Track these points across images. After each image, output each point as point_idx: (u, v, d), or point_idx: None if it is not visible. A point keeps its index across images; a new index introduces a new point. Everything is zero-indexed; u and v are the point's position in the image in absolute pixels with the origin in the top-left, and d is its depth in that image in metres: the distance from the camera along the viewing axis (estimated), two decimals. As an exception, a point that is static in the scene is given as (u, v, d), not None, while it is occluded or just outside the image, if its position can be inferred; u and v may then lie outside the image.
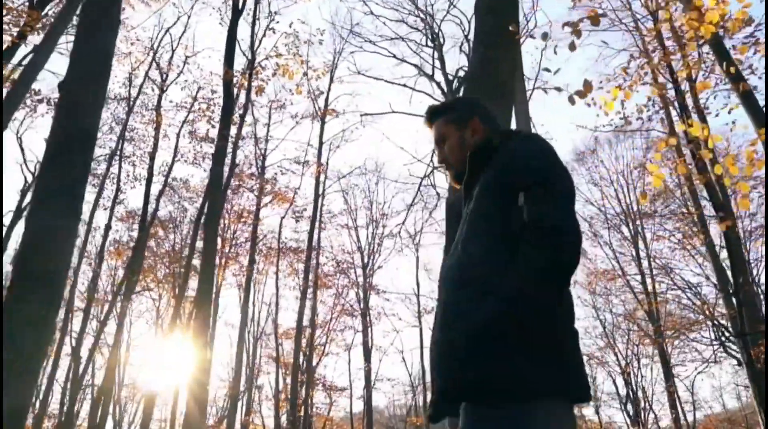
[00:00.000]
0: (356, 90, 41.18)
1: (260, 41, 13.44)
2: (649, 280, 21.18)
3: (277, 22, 14.24)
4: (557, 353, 1.55)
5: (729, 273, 16.60)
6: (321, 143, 19.05)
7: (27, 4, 12.24)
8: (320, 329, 21.57)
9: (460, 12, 23.41)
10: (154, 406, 13.94)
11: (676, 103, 14.83)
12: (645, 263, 21.40)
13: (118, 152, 17.70)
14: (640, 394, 24.72)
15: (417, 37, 18.80)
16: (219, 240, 22.35)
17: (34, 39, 13.70)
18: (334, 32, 19.67)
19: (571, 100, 4.66)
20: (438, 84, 17.87)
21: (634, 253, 21.92)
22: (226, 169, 11.49)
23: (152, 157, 17.26)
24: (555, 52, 4.82)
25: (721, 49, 8.09)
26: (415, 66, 18.60)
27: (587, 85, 4.56)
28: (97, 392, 15.60)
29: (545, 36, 4.59)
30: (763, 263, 17.60)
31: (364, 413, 27.19)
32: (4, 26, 11.92)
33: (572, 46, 4.54)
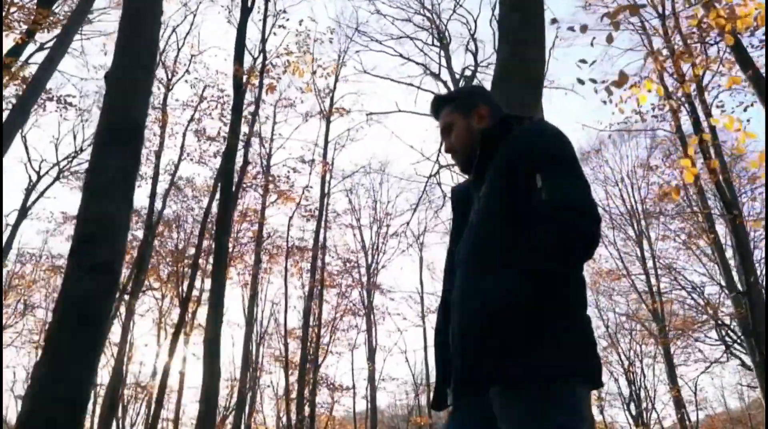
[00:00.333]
0: (361, 89, 41.22)
1: (261, 41, 13.37)
2: (653, 280, 21.17)
3: (287, 19, 14.19)
4: (579, 333, 1.56)
5: (734, 273, 16.69)
6: (326, 142, 19.05)
7: (36, 1, 12.18)
8: (324, 328, 21.53)
9: (466, 11, 23.41)
10: (162, 406, 13.88)
11: (686, 104, 14.83)
12: (650, 263, 21.39)
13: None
14: (642, 394, 24.75)
15: (423, 36, 18.79)
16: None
17: (34, 37, 13.66)
18: (340, 31, 19.61)
19: (608, 91, 4.66)
20: (444, 83, 17.86)
21: (638, 253, 21.92)
22: (236, 167, 11.45)
23: (158, 155, 17.21)
24: (592, 45, 4.80)
25: (740, 47, 8.09)
26: (422, 65, 18.61)
27: (623, 77, 4.56)
28: (105, 392, 15.52)
29: (584, 28, 4.56)
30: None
31: (367, 413, 27.17)
32: (12, 24, 11.87)
33: (610, 38, 4.53)
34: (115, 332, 18.85)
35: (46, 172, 19.66)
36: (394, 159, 55.09)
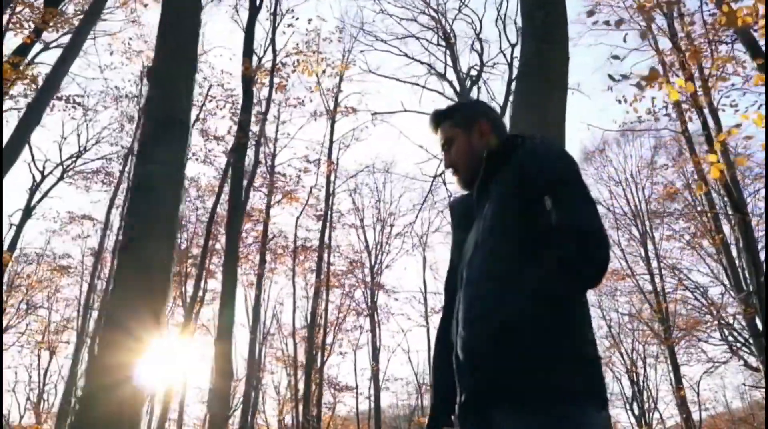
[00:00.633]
0: (365, 89, 41.04)
1: (271, 39, 13.34)
2: (657, 280, 21.18)
3: (297, 18, 14.15)
4: (589, 355, 1.55)
5: (741, 273, 16.72)
6: (331, 142, 19.02)
7: (43, 0, 12.13)
8: (328, 328, 21.51)
9: (471, 11, 23.39)
10: (170, 406, 13.84)
11: (692, 103, 14.83)
12: (654, 263, 21.40)
13: (131, 150, 17.56)
14: (645, 394, 24.76)
15: (428, 35, 18.76)
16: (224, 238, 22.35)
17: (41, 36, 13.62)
18: (344, 30, 19.55)
19: (640, 86, 4.64)
20: (450, 83, 17.84)
21: (642, 253, 21.92)
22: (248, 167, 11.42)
23: (163, 155, 17.14)
24: (625, 41, 4.78)
25: (754, 44, 8.07)
26: (426, 64, 18.57)
27: (654, 72, 4.54)
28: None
29: (620, 23, 4.53)
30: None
31: (370, 413, 27.13)
32: (19, 23, 11.84)
33: (644, 35, 4.50)
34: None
35: (50, 172, 19.61)
36: (398, 159, 55.08)
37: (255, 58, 14.33)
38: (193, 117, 18.43)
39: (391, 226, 24.44)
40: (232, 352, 9.47)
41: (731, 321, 19.34)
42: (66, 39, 15.05)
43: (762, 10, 6.42)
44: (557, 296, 1.52)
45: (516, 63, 17.92)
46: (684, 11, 16.90)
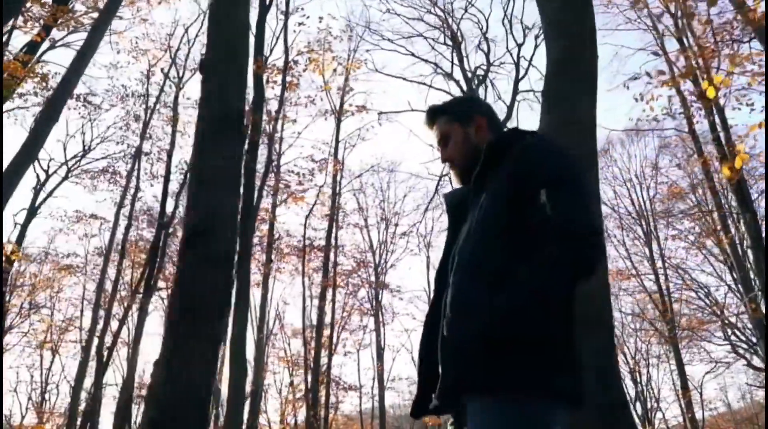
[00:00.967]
0: (370, 88, 41.03)
1: (277, 38, 13.32)
2: (662, 280, 21.19)
3: (308, 17, 14.10)
4: (569, 354, 1.57)
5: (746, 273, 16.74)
6: (337, 141, 18.98)
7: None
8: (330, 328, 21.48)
9: (478, 11, 23.37)
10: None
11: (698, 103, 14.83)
12: (659, 263, 21.41)
13: (140, 150, 17.53)
14: (648, 394, 24.79)
15: (434, 35, 18.71)
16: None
17: (50, 34, 13.57)
18: (351, 29, 19.45)
19: (675, 82, 4.59)
20: (457, 82, 17.82)
21: (647, 253, 21.93)
22: (260, 166, 11.38)
23: (169, 154, 17.12)
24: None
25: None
26: (433, 64, 18.54)
27: (689, 68, 4.51)
28: (120, 391, 15.44)
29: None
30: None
31: (373, 412, 27.11)
32: (29, 22, 11.80)
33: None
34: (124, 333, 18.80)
35: (54, 172, 19.52)
36: (403, 158, 55.06)
37: (262, 57, 14.29)
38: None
39: (396, 225, 24.44)
40: (246, 351, 9.44)
41: (735, 321, 19.40)
42: (73, 37, 15.03)
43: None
44: (544, 292, 1.53)
45: (523, 63, 17.92)
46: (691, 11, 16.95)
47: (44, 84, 11.90)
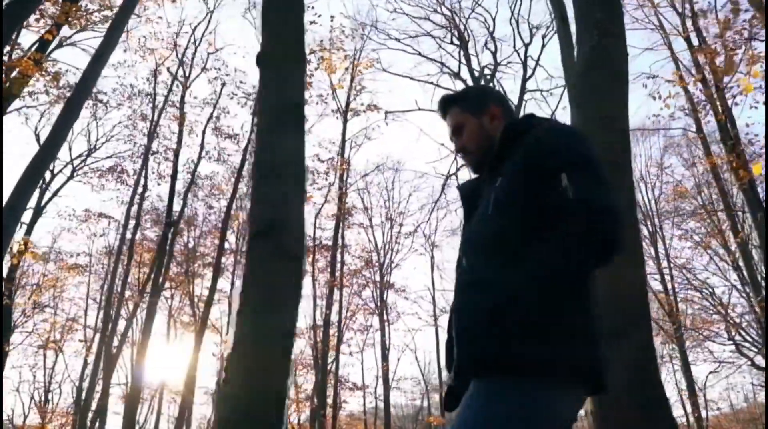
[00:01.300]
0: (376, 88, 40.89)
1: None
2: (667, 279, 21.22)
3: (320, 15, 14.09)
4: (585, 333, 1.53)
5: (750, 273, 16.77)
6: (344, 141, 18.95)
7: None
8: (336, 327, 21.47)
9: (485, 10, 23.38)
10: (192, 405, 13.77)
11: (708, 103, 14.84)
12: (663, 263, 21.45)
13: (149, 149, 17.48)
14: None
15: (440, 34, 18.71)
16: (233, 237, 22.28)
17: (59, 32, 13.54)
18: (356, 28, 19.42)
19: (718, 79, 4.58)
20: (464, 82, 17.82)
21: (652, 253, 21.95)
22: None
23: (176, 153, 17.09)
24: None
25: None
26: (439, 63, 18.54)
27: (730, 64, 4.51)
28: (129, 391, 15.39)
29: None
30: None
31: (376, 412, 27.10)
32: (41, 20, 11.76)
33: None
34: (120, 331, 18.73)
35: (60, 171, 19.45)
36: (409, 158, 54.99)
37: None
38: (206, 115, 18.47)
39: (401, 225, 24.44)
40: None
41: (739, 321, 19.42)
42: (79, 36, 15.00)
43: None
44: (562, 270, 1.50)
45: (530, 62, 17.93)
46: (698, 10, 16.98)
47: (55, 82, 11.85)
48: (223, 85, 17.61)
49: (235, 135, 17.73)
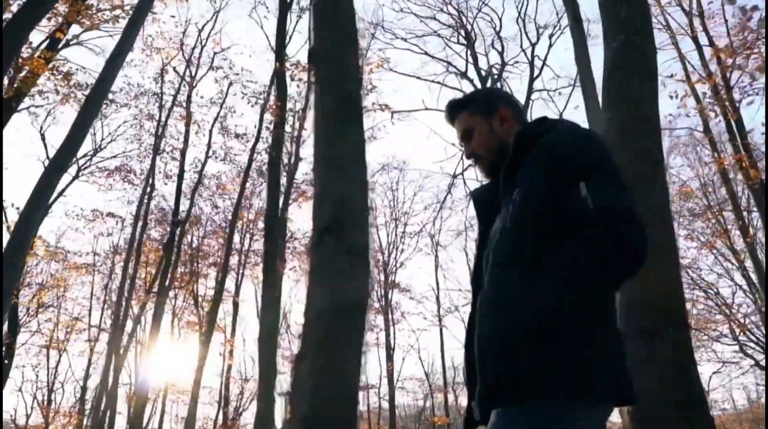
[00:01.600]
0: (382, 88, 40.87)
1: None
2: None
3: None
4: (617, 350, 1.50)
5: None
6: (350, 140, 18.86)
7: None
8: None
9: (491, 9, 23.40)
10: (197, 405, 13.75)
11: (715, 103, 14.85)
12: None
13: (157, 148, 17.45)
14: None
15: (447, 33, 18.71)
16: (237, 236, 22.24)
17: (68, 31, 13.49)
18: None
19: (753, 77, 4.58)
20: (471, 81, 17.82)
21: (657, 253, 21.93)
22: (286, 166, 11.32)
23: (183, 153, 17.06)
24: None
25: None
26: (446, 62, 18.54)
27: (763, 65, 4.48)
28: (135, 392, 15.35)
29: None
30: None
31: (380, 412, 27.08)
32: (52, 19, 11.72)
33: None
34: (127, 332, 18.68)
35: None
36: (414, 157, 54.97)
37: (273, 55, 14.24)
38: (213, 114, 18.44)
39: (405, 225, 24.44)
40: (277, 352, 9.39)
41: (744, 321, 19.44)
42: (86, 36, 14.97)
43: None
44: (588, 283, 1.44)
45: (537, 62, 17.93)
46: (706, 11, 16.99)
47: (66, 81, 11.83)
48: (230, 84, 17.59)
49: (242, 134, 17.71)
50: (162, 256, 16.12)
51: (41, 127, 18.96)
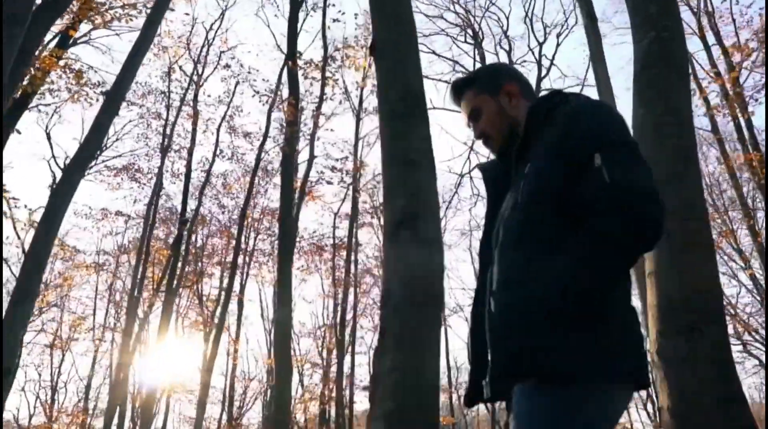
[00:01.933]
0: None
1: (322, 34, 13.24)
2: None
3: (343, 13, 14.08)
4: (636, 332, 1.47)
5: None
6: (357, 139, 18.90)
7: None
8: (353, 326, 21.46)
9: (499, 9, 23.39)
10: (206, 405, 13.71)
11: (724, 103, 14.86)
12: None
13: (165, 147, 17.41)
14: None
15: (454, 32, 18.71)
16: (243, 236, 22.19)
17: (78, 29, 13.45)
18: (368, 26, 19.35)
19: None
20: (479, 81, 17.78)
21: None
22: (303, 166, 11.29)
23: (190, 152, 17.02)
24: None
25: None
26: (453, 61, 18.54)
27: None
28: (143, 391, 15.30)
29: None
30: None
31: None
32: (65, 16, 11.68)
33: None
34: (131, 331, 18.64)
35: (70, 169, 19.29)
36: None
37: (281, 54, 14.21)
38: (220, 113, 18.40)
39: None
40: (291, 351, 9.36)
41: (748, 320, 19.45)
42: (96, 34, 14.94)
43: None
44: (607, 260, 1.39)
45: (545, 61, 17.93)
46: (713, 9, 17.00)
47: (77, 80, 11.79)
48: (237, 83, 17.57)
49: (249, 134, 17.68)
50: (170, 255, 16.08)
51: (47, 126, 18.89)
